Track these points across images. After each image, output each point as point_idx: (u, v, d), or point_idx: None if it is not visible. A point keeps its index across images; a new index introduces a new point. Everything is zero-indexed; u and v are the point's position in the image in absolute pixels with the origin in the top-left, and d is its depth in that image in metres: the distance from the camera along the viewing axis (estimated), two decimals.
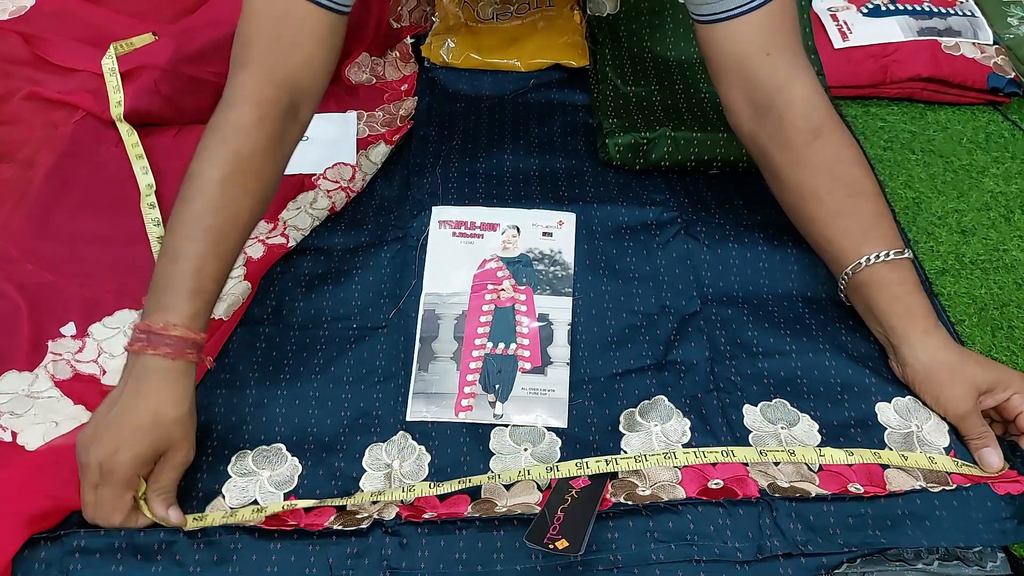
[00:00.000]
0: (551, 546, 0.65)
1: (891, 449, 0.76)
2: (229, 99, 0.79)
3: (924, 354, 0.77)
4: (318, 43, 0.81)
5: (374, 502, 0.74)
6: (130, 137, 1.05)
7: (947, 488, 0.72)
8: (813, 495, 0.72)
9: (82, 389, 0.82)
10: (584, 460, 0.74)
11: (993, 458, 0.74)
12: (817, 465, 0.75)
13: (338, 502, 0.74)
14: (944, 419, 0.78)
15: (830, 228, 0.82)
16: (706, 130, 1.03)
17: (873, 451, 0.76)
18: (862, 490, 0.73)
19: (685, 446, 0.77)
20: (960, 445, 0.77)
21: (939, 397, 0.77)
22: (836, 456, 0.75)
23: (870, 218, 0.81)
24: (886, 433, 0.78)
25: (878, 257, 0.78)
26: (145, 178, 1.01)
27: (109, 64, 1.10)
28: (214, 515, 0.72)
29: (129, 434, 0.69)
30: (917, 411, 0.79)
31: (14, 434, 0.78)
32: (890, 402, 0.80)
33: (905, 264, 0.79)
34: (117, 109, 1.07)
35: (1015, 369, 0.87)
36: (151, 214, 0.97)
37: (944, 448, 0.76)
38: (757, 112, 0.84)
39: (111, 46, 1.12)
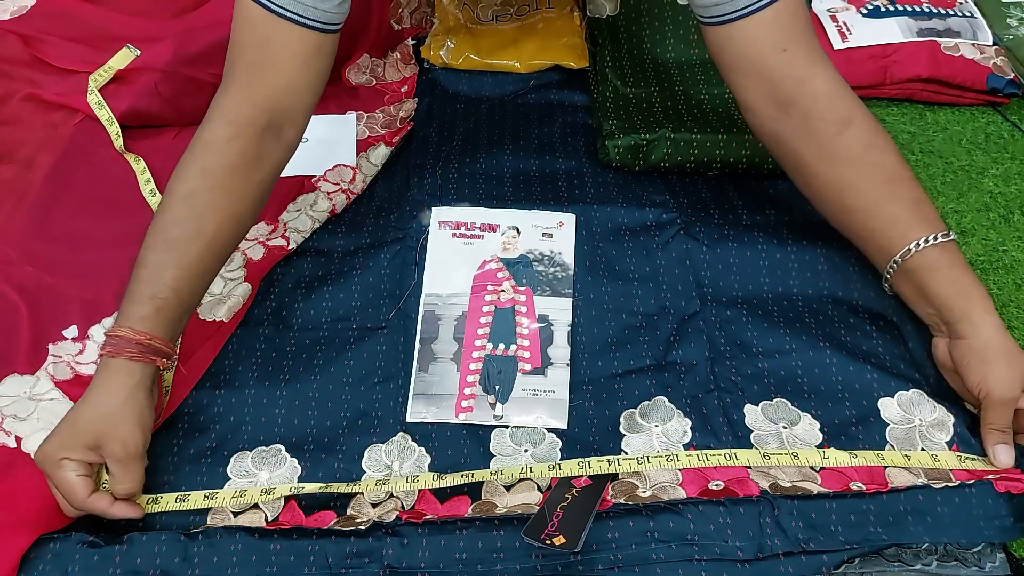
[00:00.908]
0: (548, 542, 0.65)
1: (893, 447, 0.76)
2: (206, 118, 0.80)
3: (986, 332, 0.76)
4: (302, 64, 0.81)
5: (374, 505, 0.74)
6: (138, 164, 1.05)
7: (949, 484, 0.72)
8: (815, 493, 0.72)
9: (83, 393, 0.82)
10: (587, 460, 0.75)
11: (1007, 457, 0.74)
12: (819, 465, 0.75)
13: (344, 488, 0.74)
14: (950, 411, 0.78)
15: (873, 218, 0.80)
16: (706, 131, 1.03)
17: (876, 452, 0.76)
18: (864, 488, 0.73)
19: (686, 446, 0.77)
20: (963, 438, 0.77)
21: (988, 376, 0.75)
22: (840, 459, 0.75)
23: (912, 203, 0.79)
24: (888, 429, 0.78)
25: (927, 241, 0.77)
26: (154, 200, 1.01)
27: (95, 99, 1.09)
28: (224, 493, 0.73)
29: (60, 426, 0.72)
30: (921, 404, 0.79)
31: (18, 439, 0.78)
32: (893, 397, 0.80)
33: (952, 246, 0.78)
34: (118, 141, 1.07)
35: None
36: None
37: (946, 442, 0.76)
38: (779, 110, 0.83)
39: (89, 79, 1.11)
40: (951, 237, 0.78)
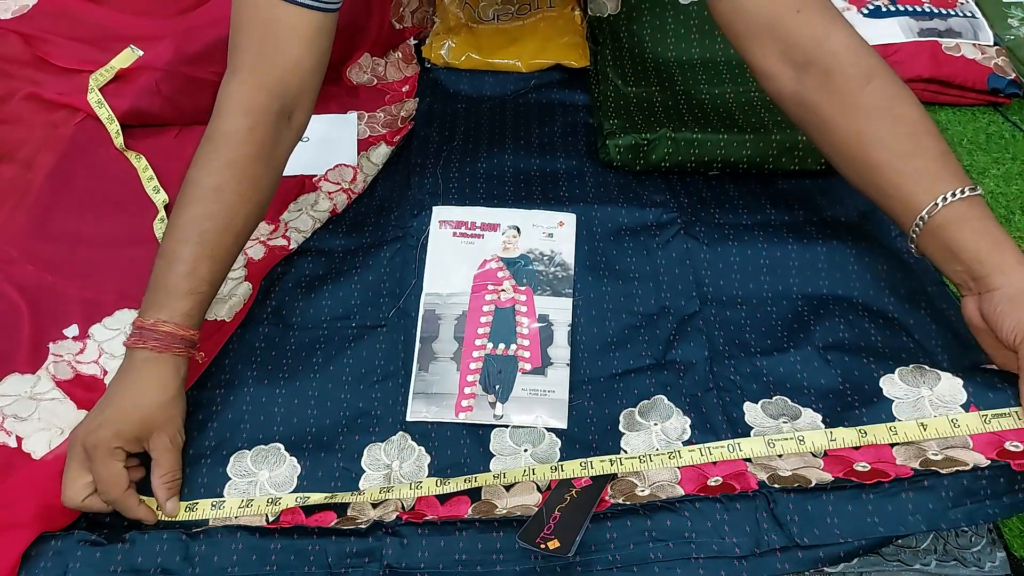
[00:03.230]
0: (542, 546, 0.65)
1: (902, 420, 0.74)
2: (220, 108, 0.80)
3: (1020, 279, 0.73)
4: (305, 46, 0.81)
5: (375, 505, 0.74)
6: (139, 162, 1.05)
7: (962, 469, 0.68)
8: (814, 483, 0.71)
9: (84, 392, 0.82)
10: (588, 460, 0.74)
11: None
12: (825, 447, 0.74)
13: (349, 497, 0.74)
14: (957, 375, 0.75)
15: (898, 172, 0.78)
16: (706, 131, 1.03)
17: (887, 426, 0.73)
18: (868, 468, 0.71)
19: (685, 443, 0.77)
20: (983, 394, 0.73)
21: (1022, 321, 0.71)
22: (848, 438, 0.73)
23: (939, 157, 0.77)
24: (894, 405, 0.75)
25: (955, 195, 0.74)
26: (159, 196, 1.01)
27: (95, 98, 1.10)
28: (231, 502, 0.74)
29: (111, 413, 0.72)
30: (926, 374, 0.76)
31: (19, 439, 0.78)
32: (894, 373, 0.78)
33: (980, 199, 0.76)
34: (118, 139, 1.07)
35: None
36: (161, 228, 0.97)
37: (962, 405, 0.73)
38: (799, 70, 0.81)
39: (90, 78, 1.12)
40: (978, 191, 0.76)
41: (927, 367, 0.77)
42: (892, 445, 0.72)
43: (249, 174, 0.79)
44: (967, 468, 0.68)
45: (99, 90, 1.10)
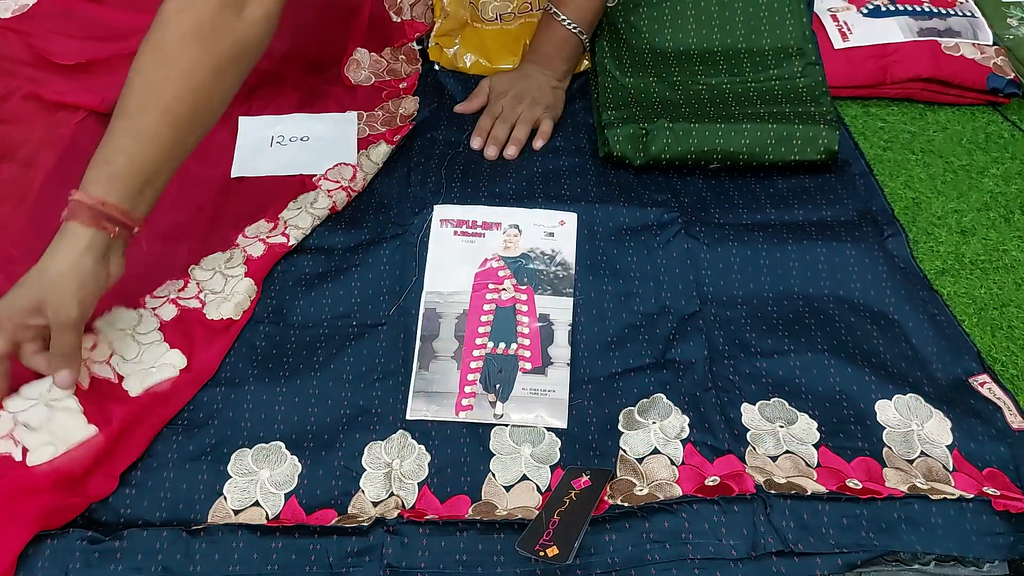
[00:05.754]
0: (541, 553, 0.66)
1: (891, 449, 0.77)
2: None
3: None
4: None
5: (375, 503, 0.74)
6: None
7: (949, 497, 0.71)
8: (809, 492, 0.72)
9: (100, 400, 0.80)
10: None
11: None
12: (815, 460, 0.76)
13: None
14: (948, 416, 0.78)
15: None
16: (703, 121, 1.02)
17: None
18: (860, 486, 0.73)
19: (684, 442, 0.78)
20: (966, 442, 0.76)
21: None
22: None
23: None
24: (885, 432, 0.78)
25: None
26: None
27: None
28: None
29: (14, 288, 0.74)
30: (918, 408, 0.79)
31: (24, 451, 0.75)
32: (891, 399, 0.80)
33: None
34: None
35: (1015, 370, 0.87)
36: None
37: (947, 446, 0.76)
38: None
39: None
40: None
41: (923, 400, 0.80)
42: (883, 466, 0.75)
43: (175, 55, 0.77)
44: (953, 497, 0.70)
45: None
